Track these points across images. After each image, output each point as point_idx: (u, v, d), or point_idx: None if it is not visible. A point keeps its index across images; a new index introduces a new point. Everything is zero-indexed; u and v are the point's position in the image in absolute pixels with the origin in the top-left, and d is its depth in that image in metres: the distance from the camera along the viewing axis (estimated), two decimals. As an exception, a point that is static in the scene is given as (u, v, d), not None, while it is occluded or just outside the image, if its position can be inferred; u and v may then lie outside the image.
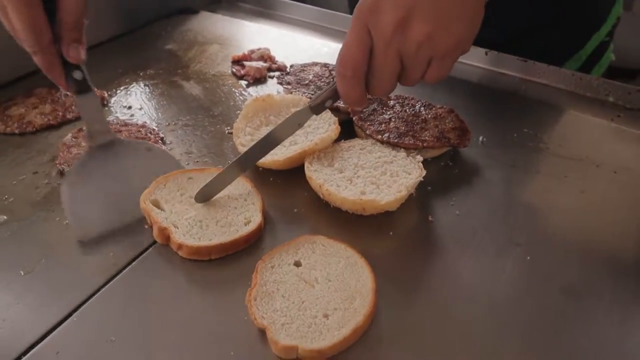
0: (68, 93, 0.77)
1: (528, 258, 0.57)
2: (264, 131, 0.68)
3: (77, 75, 0.60)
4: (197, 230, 0.57)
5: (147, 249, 0.57)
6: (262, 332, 0.48)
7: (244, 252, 0.57)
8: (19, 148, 0.72)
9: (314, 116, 0.67)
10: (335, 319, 0.48)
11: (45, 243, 0.58)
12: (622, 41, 1.89)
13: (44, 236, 0.59)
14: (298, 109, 0.62)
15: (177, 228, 0.57)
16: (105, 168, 0.62)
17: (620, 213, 0.64)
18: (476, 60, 0.95)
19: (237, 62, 0.91)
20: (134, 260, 0.56)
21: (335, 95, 0.57)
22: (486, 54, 0.94)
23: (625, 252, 0.59)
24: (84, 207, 0.60)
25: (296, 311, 0.49)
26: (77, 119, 0.78)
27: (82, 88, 0.60)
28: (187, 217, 0.58)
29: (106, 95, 0.83)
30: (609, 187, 0.68)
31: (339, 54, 0.53)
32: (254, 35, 1.03)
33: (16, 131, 0.75)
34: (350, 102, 0.56)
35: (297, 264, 0.54)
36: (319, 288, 0.51)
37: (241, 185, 0.62)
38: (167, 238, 0.57)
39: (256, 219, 0.58)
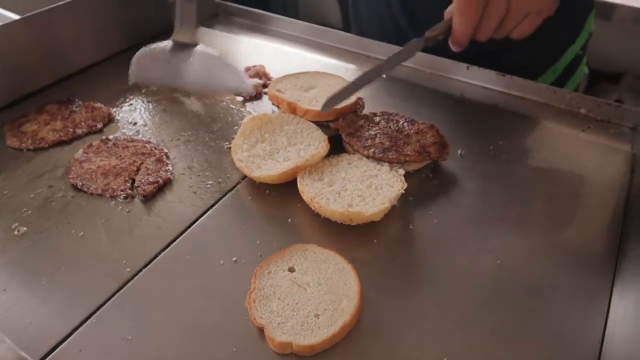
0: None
1: (499, 262, 0.64)
2: (260, 148, 0.74)
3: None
4: (314, 104, 0.79)
5: (156, 257, 0.64)
6: (261, 331, 0.55)
7: (243, 261, 0.63)
8: (34, 163, 0.78)
9: (306, 134, 0.73)
10: (325, 318, 0.55)
11: (64, 252, 0.64)
12: (605, 48, 1.97)
13: (62, 246, 0.65)
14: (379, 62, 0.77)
15: (300, 102, 0.79)
16: (178, 57, 0.79)
17: (585, 220, 0.71)
18: (459, 75, 1.01)
19: (235, 78, 0.97)
20: (144, 267, 0.62)
21: (447, 31, 0.69)
22: (467, 68, 1.00)
23: (589, 255, 0.66)
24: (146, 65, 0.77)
25: (291, 312, 0.56)
26: (87, 134, 0.84)
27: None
28: (304, 97, 0.80)
29: (113, 111, 0.89)
30: (576, 195, 0.75)
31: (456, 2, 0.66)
32: (250, 51, 1.09)
33: (31, 147, 0.81)
34: (460, 38, 0.68)
35: (291, 270, 0.60)
36: (310, 291, 0.58)
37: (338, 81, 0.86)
38: (294, 110, 0.78)
39: (353, 97, 0.80)
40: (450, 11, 0.72)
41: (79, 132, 0.85)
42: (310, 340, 0.53)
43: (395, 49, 1.05)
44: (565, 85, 1.11)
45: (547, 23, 1.05)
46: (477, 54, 1.04)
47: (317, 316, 0.55)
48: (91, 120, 0.86)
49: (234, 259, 0.63)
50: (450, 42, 0.72)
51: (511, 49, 1.06)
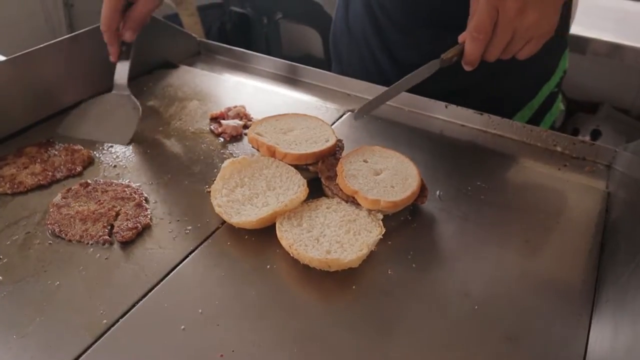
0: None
1: (476, 307, 0.64)
2: (239, 192, 0.74)
3: (124, 48, 1.01)
4: (293, 147, 0.80)
5: (133, 306, 0.63)
6: (238, 385, 0.54)
7: (221, 309, 0.63)
8: (10, 208, 0.78)
9: (284, 178, 0.74)
10: (398, 188, 0.74)
11: (39, 303, 0.63)
12: (581, 80, 2.02)
13: (38, 296, 0.64)
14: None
15: (279, 145, 0.80)
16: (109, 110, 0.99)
17: (562, 262, 0.72)
18: (437, 113, 1.03)
19: (215, 119, 0.97)
20: (121, 318, 0.62)
21: (461, 53, 0.81)
22: (446, 107, 1.02)
23: (566, 299, 0.66)
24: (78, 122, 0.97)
25: (373, 184, 0.75)
26: (67, 177, 0.84)
27: (123, 57, 1.01)
28: (283, 140, 0.82)
29: (93, 153, 0.89)
30: (552, 236, 0.76)
31: (474, 23, 0.76)
32: (230, 90, 1.10)
33: (8, 191, 0.81)
34: (470, 60, 0.80)
35: (365, 161, 0.80)
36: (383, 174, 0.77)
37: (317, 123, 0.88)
38: (273, 153, 0.80)
39: (332, 139, 0.82)
40: (463, 36, 0.81)
41: (58, 175, 0.84)
42: (394, 198, 0.72)
43: (376, 87, 1.07)
44: (541, 121, 1.14)
45: (522, 61, 1.08)
46: (451, 91, 1.06)
47: (392, 187, 0.74)
48: (70, 163, 0.86)
49: (212, 307, 0.63)
50: (462, 63, 0.82)
51: (488, 85, 1.09)
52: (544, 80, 1.11)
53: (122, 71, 1.01)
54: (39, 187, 0.82)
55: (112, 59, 1.01)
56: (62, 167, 0.86)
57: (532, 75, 1.11)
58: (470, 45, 0.78)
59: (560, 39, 1.10)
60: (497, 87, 1.10)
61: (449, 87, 1.09)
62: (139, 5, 0.97)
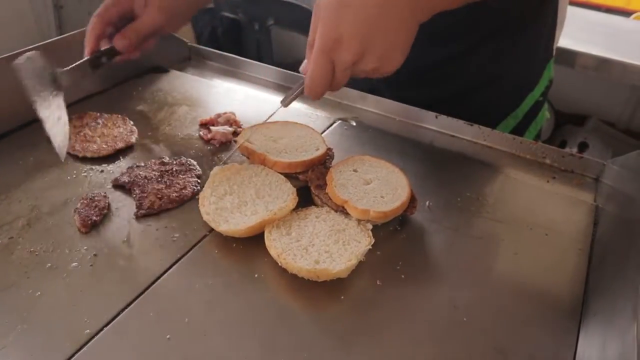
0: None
1: (465, 319, 0.64)
2: (228, 200, 0.73)
3: (104, 59, 0.90)
4: (283, 155, 0.80)
5: (118, 314, 0.62)
6: (223, 396, 0.53)
7: (207, 318, 0.62)
8: (-5, 212, 0.76)
9: (274, 186, 0.74)
10: (388, 198, 0.74)
11: (21, 311, 0.62)
12: (569, 92, 2.04)
13: (20, 304, 0.63)
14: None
15: (268, 153, 0.80)
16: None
17: (550, 275, 0.72)
18: (428, 123, 1.03)
19: (204, 125, 0.97)
20: (105, 326, 0.61)
21: (302, 93, 0.75)
22: (436, 117, 1.02)
23: (554, 311, 0.66)
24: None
25: (362, 194, 0.75)
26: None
27: (93, 65, 0.89)
28: (273, 148, 0.82)
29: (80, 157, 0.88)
30: (541, 249, 0.76)
31: (308, 79, 0.70)
32: (221, 96, 1.09)
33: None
34: (314, 97, 0.72)
35: (355, 170, 0.80)
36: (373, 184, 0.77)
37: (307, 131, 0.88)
38: (263, 161, 0.79)
39: (322, 148, 0.83)
40: (304, 69, 0.74)
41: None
42: (383, 208, 0.72)
43: (366, 95, 1.07)
44: (526, 130, 1.15)
45: (504, 72, 1.08)
46: (434, 100, 1.06)
47: (382, 197, 0.74)
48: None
49: (199, 316, 0.62)
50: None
51: (472, 94, 1.09)
52: (528, 90, 1.11)
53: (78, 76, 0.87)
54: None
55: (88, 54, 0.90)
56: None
57: (515, 86, 1.12)
58: (309, 92, 0.72)
59: (544, 50, 1.11)
60: (480, 96, 1.11)
61: (432, 96, 1.09)
62: (145, 18, 0.89)
